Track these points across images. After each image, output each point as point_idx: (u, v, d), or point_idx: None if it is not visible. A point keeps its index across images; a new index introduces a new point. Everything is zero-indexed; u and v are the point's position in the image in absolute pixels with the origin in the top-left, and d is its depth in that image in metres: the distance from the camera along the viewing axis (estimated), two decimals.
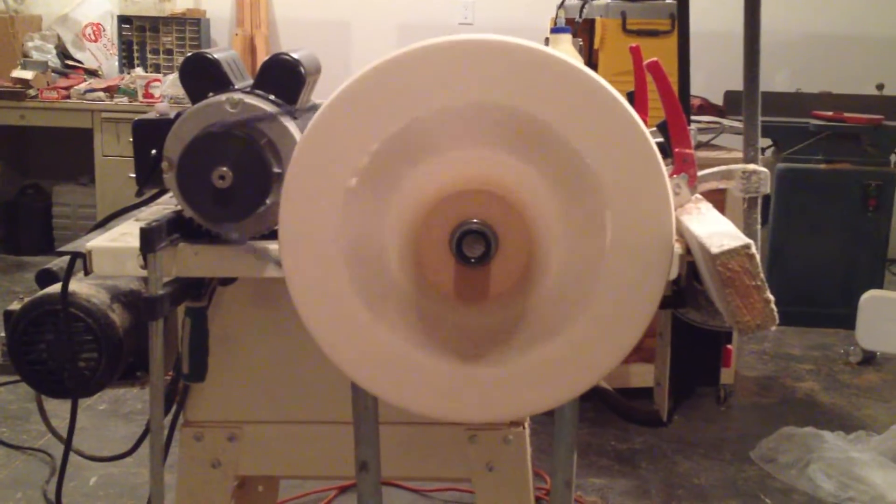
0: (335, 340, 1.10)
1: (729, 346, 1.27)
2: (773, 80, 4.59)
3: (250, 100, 1.15)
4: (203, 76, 1.21)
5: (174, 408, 1.42)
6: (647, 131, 1.04)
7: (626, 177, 1.04)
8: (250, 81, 1.25)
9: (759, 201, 1.15)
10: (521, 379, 1.11)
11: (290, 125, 1.16)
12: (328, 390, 1.39)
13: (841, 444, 2.92)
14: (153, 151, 1.22)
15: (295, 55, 1.20)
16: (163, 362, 1.17)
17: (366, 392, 1.18)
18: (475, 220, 1.04)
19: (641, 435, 3.04)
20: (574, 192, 1.05)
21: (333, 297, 1.09)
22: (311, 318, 1.09)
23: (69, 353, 1.26)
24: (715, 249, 0.96)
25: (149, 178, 1.27)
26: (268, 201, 1.13)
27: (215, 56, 1.22)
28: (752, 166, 1.15)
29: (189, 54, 1.22)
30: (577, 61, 1.05)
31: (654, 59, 1.15)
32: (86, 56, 5.07)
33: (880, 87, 4.10)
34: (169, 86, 4.26)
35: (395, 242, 1.07)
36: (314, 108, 1.20)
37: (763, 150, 3.17)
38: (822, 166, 3.73)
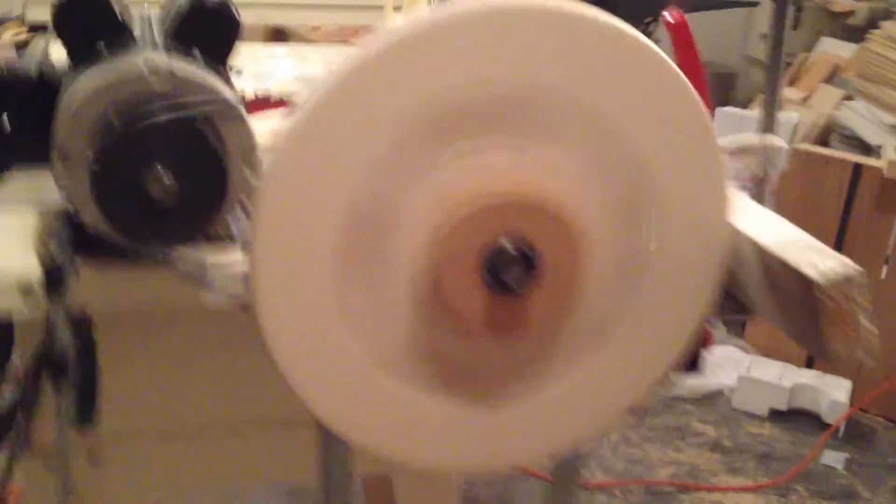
0: (318, 386, 0.85)
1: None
2: None
3: (182, 67, 0.82)
4: (87, 21, 0.86)
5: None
6: (710, 119, 0.86)
7: (684, 171, 0.86)
8: (148, 28, 0.91)
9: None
10: (543, 416, 0.92)
11: (237, 103, 0.84)
12: (207, 405, 1.14)
13: None
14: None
15: None
16: (67, 426, 0.86)
17: (345, 446, 0.93)
18: (514, 239, 0.82)
19: None
20: (624, 190, 0.86)
21: (322, 336, 0.83)
22: (289, 359, 0.83)
23: None
24: (816, 276, 0.81)
25: None
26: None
27: None
28: (772, 138, 1.01)
29: None
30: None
31: (680, 13, 0.95)
32: None
33: None
34: None
35: (408, 262, 0.83)
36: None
37: None
38: None
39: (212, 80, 0.82)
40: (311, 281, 0.81)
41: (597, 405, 0.94)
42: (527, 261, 0.82)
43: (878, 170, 2.72)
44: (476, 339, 0.86)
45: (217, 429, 1.16)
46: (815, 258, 0.84)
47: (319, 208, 0.79)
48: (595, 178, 0.84)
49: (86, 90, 0.80)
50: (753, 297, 0.92)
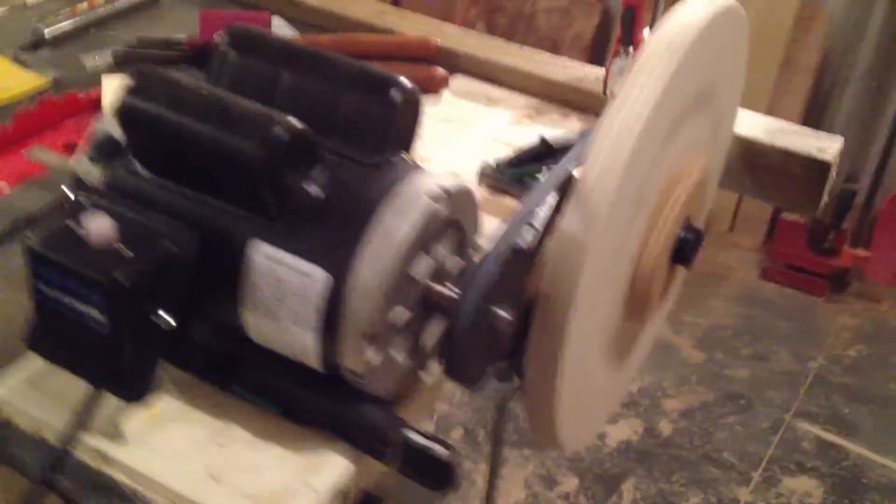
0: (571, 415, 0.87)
1: None
2: None
3: (449, 182, 0.67)
4: (296, 154, 0.64)
5: None
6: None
7: (734, 95, 0.99)
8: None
9: None
10: (639, 356, 1.04)
11: None
12: None
13: None
14: None
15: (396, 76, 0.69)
16: None
17: None
18: (690, 219, 0.89)
19: None
20: (715, 133, 0.96)
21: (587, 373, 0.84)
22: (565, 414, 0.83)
23: None
24: (828, 158, 1.04)
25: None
26: None
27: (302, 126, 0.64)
28: None
29: (284, 131, 0.61)
30: None
31: None
32: None
33: None
34: None
35: (630, 266, 0.85)
36: None
37: None
38: None
39: (466, 184, 0.70)
40: (594, 346, 0.81)
41: (654, 330, 1.08)
42: (700, 237, 0.91)
43: None
44: (645, 310, 0.93)
45: None
46: (813, 142, 1.06)
47: (612, 273, 0.78)
48: (710, 136, 0.93)
49: (377, 258, 0.62)
50: (732, 181, 1.11)
